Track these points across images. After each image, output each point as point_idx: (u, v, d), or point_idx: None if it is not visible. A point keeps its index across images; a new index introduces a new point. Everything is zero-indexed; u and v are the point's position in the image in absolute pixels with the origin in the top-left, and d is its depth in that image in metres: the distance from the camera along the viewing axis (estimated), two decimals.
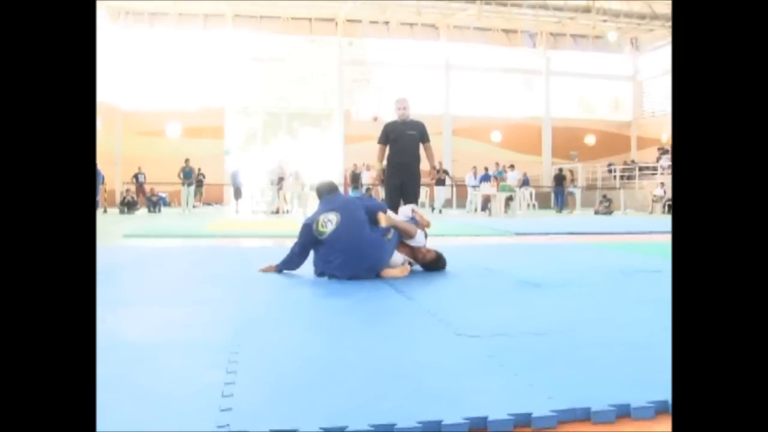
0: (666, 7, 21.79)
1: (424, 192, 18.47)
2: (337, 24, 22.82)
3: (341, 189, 19.07)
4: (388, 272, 3.87)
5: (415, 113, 6.42)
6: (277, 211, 15.83)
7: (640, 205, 20.96)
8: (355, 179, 18.79)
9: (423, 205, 17.24)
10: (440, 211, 17.41)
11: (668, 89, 23.63)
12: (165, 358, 1.99)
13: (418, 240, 4.13)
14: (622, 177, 23.39)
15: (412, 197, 5.86)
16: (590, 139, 25.04)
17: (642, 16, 22.81)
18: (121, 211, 16.47)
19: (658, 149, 23.34)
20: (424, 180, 6.43)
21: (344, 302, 3.05)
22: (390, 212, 4.35)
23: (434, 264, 4.21)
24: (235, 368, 1.87)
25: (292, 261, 3.99)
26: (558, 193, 20.07)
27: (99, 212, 15.44)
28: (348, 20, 22.70)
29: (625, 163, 24.42)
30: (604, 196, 18.66)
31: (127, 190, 17.73)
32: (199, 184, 19.39)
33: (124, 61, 21.31)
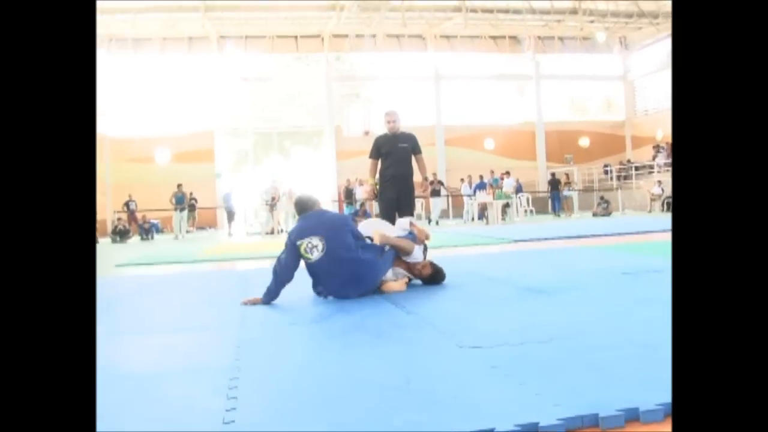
0: (653, 5, 22.01)
1: (419, 204, 18.51)
2: (323, 40, 22.98)
3: (335, 206, 18.92)
4: (387, 286, 3.87)
5: (405, 125, 6.45)
6: (272, 232, 15.83)
7: (638, 205, 21.02)
8: (348, 195, 18.84)
9: (419, 217, 17.25)
10: (437, 223, 17.43)
11: (660, 86, 23.81)
12: (165, 388, 1.99)
13: (416, 255, 4.12)
14: (618, 177, 23.47)
15: (408, 210, 5.88)
16: (584, 141, 25.18)
17: (629, 15, 23.04)
18: (113, 240, 16.42)
19: (654, 147, 23.45)
20: (417, 192, 6.44)
21: (346, 320, 3.06)
22: (383, 226, 4.33)
23: (432, 279, 4.20)
24: (236, 393, 1.87)
25: (280, 282, 3.68)
26: (554, 198, 20.12)
27: None
28: (334, 35, 22.87)
29: (621, 163, 24.52)
30: (602, 198, 18.71)
31: (119, 219, 17.69)
32: (192, 208, 19.37)
33: (109, 88, 21.39)
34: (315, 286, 3.88)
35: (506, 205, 16.53)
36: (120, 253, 10.75)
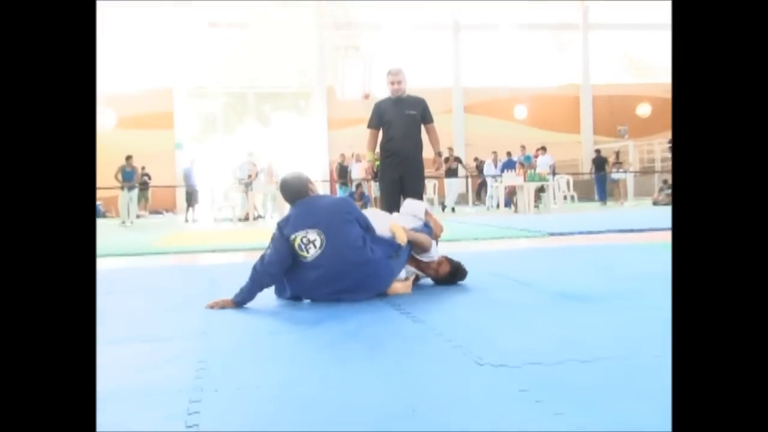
0: None
1: (430, 186, 18.52)
2: None
3: (325, 188, 18.90)
4: (390, 287, 3.87)
5: (414, 87, 6.44)
6: (247, 218, 15.86)
7: None
8: (342, 174, 18.83)
9: (431, 203, 17.27)
10: (453, 209, 17.45)
11: None
12: (108, 414, 1.99)
13: (432, 252, 4.14)
14: None
15: (415, 193, 5.87)
16: (644, 109, 25.07)
17: None
18: None
19: None
20: (427, 171, 6.44)
21: (338, 329, 3.06)
22: (385, 219, 4.31)
23: (451, 279, 4.22)
24: (196, 420, 1.88)
25: (260, 283, 3.70)
26: (599, 181, 20.08)
27: None
28: None
29: None
30: (665, 182, 18.63)
31: None
32: (144, 187, 19.39)
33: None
34: (281, 290, 3.87)
35: (540, 190, 16.52)
36: None
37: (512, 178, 16.18)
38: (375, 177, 6.32)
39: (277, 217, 14.33)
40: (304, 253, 3.65)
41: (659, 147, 24.10)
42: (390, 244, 3.80)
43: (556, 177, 18.29)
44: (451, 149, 19.15)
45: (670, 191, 18.11)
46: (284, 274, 3.76)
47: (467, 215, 15.27)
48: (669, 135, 24.72)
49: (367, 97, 21.70)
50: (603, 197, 19.71)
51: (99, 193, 19.36)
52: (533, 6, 24.42)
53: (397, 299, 3.75)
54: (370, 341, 2.82)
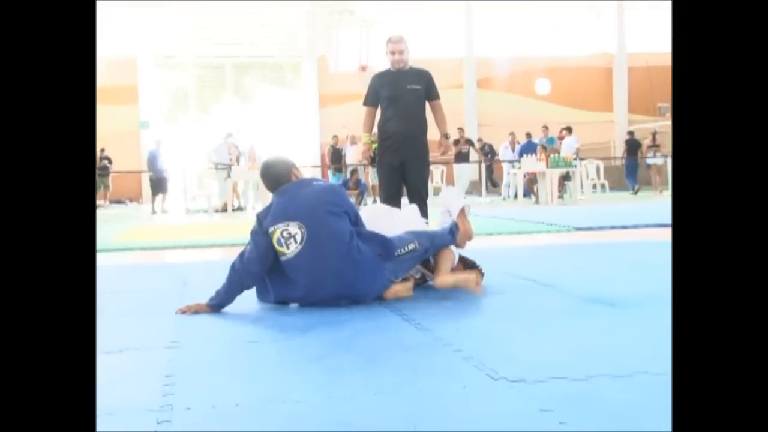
0: None
1: (437, 172, 18.52)
2: None
3: (316, 174, 18.86)
4: (389, 291, 3.87)
5: (419, 59, 6.44)
6: (225, 209, 15.86)
7: None
8: (336, 158, 18.81)
9: (437, 191, 17.25)
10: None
11: None
12: None
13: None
14: None
15: (418, 181, 5.87)
16: None
17: None
18: None
19: None
20: (433, 156, 6.44)
21: (330, 337, 3.07)
22: (388, 215, 4.29)
23: None
24: None
25: (239, 283, 3.72)
26: (630, 167, 20.06)
27: None
28: None
29: None
30: None
31: None
32: (103, 172, 19.39)
33: None
34: (264, 293, 3.87)
35: (566, 177, 16.51)
36: None
37: (532, 163, 16.11)
38: (373, 162, 6.32)
39: (260, 209, 14.17)
40: (284, 249, 3.63)
41: None
42: (382, 242, 3.75)
43: (584, 162, 18.24)
44: (461, 130, 19.14)
45: None
46: (267, 273, 3.76)
47: (480, 206, 15.25)
48: None
49: (364, 69, 21.71)
50: (633, 186, 19.70)
51: None
52: None
53: (398, 303, 3.76)
54: (366, 352, 2.82)
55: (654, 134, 20.37)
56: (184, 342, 3.09)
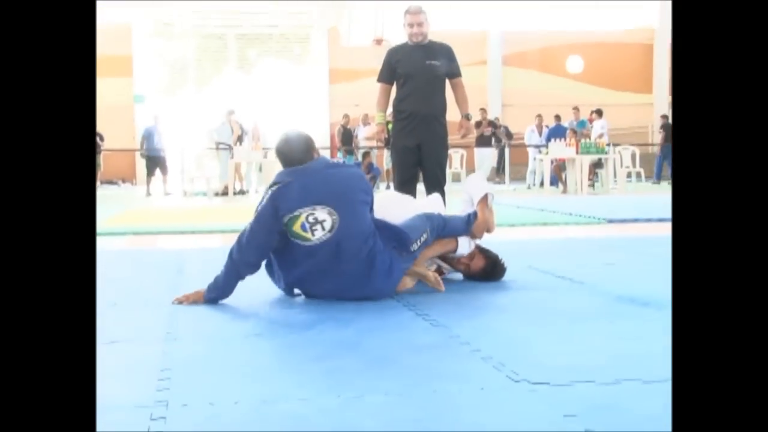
0: None
1: (457, 157, 18.49)
2: None
3: (327, 155, 19.03)
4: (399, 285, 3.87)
5: (439, 32, 6.41)
6: (226, 192, 15.89)
7: None
8: (347, 139, 18.81)
9: (458, 177, 17.23)
10: None
11: None
12: None
13: (461, 249, 4.14)
14: None
15: (436, 166, 5.85)
16: None
17: None
18: None
19: None
20: (452, 138, 6.42)
21: (336, 333, 3.07)
22: (401, 203, 4.29)
23: (484, 275, 4.23)
24: None
25: (236, 273, 3.70)
26: (661, 155, 19.93)
27: None
28: None
29: None
30: None
31: None
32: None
33: None
34: (279, 278, 3.86)
35: (597, 164, 16.42)
36: None
37: (561, 149, 15.96)
38: (387, 144, 6.31)
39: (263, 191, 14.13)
40: (308, 235, 3.58)
41: None
42: (397, 235, 3.73)
43: (618, 148, 18.09)
44: (483, 110, 19.07)
45: None
46: (278, 257, 3.75)
47: (503, 194, 15.20)
48: None
49: (379, 42, 21.66)
50: (658, 175, 19.56)
51: None
52: None
53: (412, 298, 3.76)
54: (376, 350, 2.82)
55: None
56: (180, 334, 3.11)
